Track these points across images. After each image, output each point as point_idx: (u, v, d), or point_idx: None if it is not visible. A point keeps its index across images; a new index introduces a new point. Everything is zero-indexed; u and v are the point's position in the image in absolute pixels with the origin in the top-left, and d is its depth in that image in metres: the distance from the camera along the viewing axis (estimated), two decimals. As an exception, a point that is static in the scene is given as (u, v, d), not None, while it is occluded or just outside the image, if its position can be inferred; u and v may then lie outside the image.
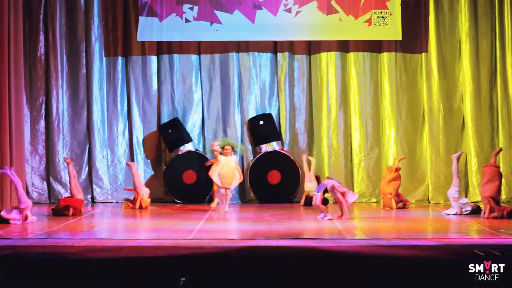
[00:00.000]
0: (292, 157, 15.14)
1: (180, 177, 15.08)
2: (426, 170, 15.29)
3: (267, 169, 15.08)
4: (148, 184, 15.07)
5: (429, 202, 15.12)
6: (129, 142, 15.52)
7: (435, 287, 7.53)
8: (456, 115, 15.31)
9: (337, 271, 7.81)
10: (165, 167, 15.22)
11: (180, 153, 15.16)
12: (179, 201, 15.03)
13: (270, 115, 15.31)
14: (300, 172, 14.93)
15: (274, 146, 15.27)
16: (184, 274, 7.61)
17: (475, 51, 15.21)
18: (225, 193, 13.07)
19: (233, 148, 13.15)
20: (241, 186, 14.99)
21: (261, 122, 15.20)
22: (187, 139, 15.20)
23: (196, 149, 15.35)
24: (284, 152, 15.19)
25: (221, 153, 13.12)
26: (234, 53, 15.54)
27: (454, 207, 12.63)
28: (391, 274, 7.68)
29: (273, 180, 15.10)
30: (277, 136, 15.28)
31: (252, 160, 15.29)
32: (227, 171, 12.94)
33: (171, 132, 15.11)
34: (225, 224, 11.84)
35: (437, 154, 15.19)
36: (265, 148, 15.24)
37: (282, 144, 15.44)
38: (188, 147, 15.23)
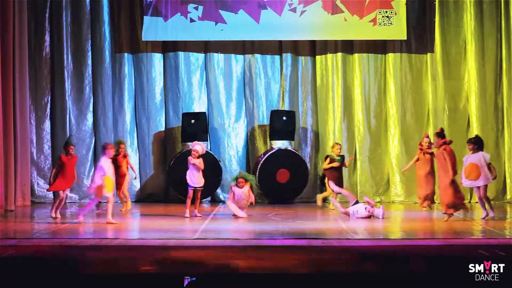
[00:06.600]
0: (302, 156, 15.12)
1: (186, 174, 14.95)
2: (431, 171, 15.24)
3: (277, 168, 14.85)
4: (152, 180, 15.26)
5: (434, 202, 15.05)
6: (136, 140, 15.52)
7: (436, 286, 7.53)
8: (461, 115, 15.28)
9: (340, 270, 7.81)
10: (172, 161, 15.09)
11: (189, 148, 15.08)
12: (183, 198, 14.92)
13: (293, 112, 15.18)
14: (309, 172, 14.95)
15: (286, 144, 15.21)
16: (188, 274, 7.61)
17: (480, 51, 15.19)
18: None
19: (245, 180, 12.66)
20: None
21: (285, 118, 15.03)
22: (204, 137, 15.05)
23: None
24: (294, 151, 15.13)
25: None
26: (239, 53, 15.55)
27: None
28: (394, 274, 7.68)
29: (282, 179, 14.99)
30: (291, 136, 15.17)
31: (262, 157, 15.10)
32: (240, 197, 12.52)
33: (193, 123, 15.03)
34: (230, 224, 11.82)
35: (442, 155, 15.13)
36: (278, 145, 15.15)
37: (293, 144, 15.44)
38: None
